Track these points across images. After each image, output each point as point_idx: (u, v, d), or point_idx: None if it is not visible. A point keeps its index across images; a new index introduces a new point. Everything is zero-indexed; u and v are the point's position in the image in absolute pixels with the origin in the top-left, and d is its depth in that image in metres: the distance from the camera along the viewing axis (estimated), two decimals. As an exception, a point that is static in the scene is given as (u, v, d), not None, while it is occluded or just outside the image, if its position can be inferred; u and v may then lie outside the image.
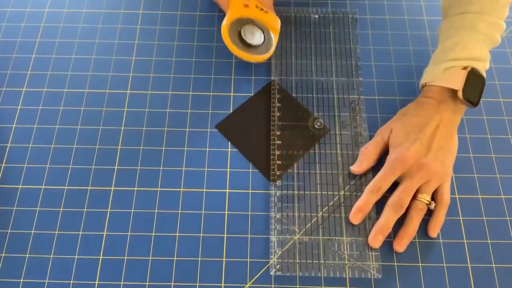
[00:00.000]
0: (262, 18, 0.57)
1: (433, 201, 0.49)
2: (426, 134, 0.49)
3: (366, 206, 0.49)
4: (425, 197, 0.49)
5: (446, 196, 0.50)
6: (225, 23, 0.55)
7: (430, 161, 0.48)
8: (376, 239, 0.48)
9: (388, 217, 0.48)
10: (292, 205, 0.50)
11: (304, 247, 0.48)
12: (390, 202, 0.48)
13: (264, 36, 0.57)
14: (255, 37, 0.56)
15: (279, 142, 0.53)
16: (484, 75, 0.51)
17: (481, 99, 0.52)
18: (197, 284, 0.47)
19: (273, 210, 0.50)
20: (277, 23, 0.57)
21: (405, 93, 0.57)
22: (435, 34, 0.61)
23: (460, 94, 0.49)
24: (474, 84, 0.50)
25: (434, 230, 0.49)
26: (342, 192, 0.51)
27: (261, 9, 0.57)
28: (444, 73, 0.51)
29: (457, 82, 0.50)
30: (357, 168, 0.51)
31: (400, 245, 0.48)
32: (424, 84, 0.53)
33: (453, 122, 0.51)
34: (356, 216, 0.49)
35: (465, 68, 0.50)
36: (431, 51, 0.60)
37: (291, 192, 0.51)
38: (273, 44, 0.57)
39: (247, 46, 0.56)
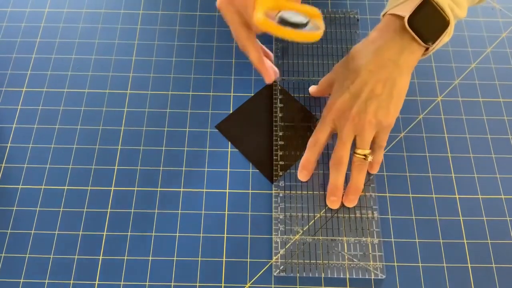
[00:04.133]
0: (297, 7, 0.46)
1: (370, 154, 0.48)
2: (356, 84, 0.47)
3: (309, 163, 0.50)
4: (361, 151, 0.48)
5: (381, 143, 0.49)
6: (259, 11, 0.43)
7: (355, 113, 0.47)
8: (331, 201, 0.49)
9: (333, 178, 0.49)
10: (295, 205, 0.50)
11: (308, 248, 0.48)
12: (330, 163, 0.49)
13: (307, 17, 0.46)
14: (299, 16, 0.45)
15: (282, 142, 0.53)
16: (450, 16, 0.45)
17: (437, 42, 0.46)
18: (197, 284, 0.47)
19: (276, 210, 0.50)
20: (315, 9, 0.47)
21: (405, 93, 0.57)
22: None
23: (405, 20, 0.45)
24: (431, 18, 0.45)
25: (372, 168, 0.51)
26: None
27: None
28: (402, 2, 0.46)
29: (408, 9, 0.45)
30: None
31: (346, 201, 0.50)
32: (382, 16, 0.49)
33: (397, 64, 0.46)
34: (301, 173, 0.51)
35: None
36: (431, 51, 0.60)
37: (294, 192, 0.51)
38: (321, 25, 0.46)
39: (292, 26, 0.44)
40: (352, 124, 0.47)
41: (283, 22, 0.44)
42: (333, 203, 0.49)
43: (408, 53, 0.46)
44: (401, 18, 0.46)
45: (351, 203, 0.50)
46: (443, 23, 0.45)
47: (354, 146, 0.49)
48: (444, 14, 0.45)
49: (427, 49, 0.47)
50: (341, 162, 0.48)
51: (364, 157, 0.48)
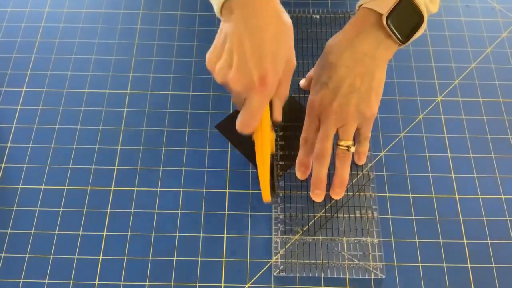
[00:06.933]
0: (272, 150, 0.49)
1: (353, 145, 0.48)
2: (333, 79, 0.47)
3: (305, 160, 0.50)
4: (344, 143, 0.48)
5: (366, 134, 0.49)
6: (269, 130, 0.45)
7: (336, 107, 0.47)
8: (315, 194, 0.49)
9: (316, 170, 0.48)
10: (295, 205, 0.50)
11: (307, 248, 0.48)
12: (313, 156, 0.48)
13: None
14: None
15: (282, 142, 0.53)
16: (425, 13, 0.47)
17: (412, 38, 0.47)
18: (197, 284, 0.47)
19: (276, 210, 0.50)
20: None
21: (405, 93, 0.57)
22: (435, 34, 0.61)
23: (384, 18, 0.45)
24: (406, 15, 0.46)
25: (359, 159, 0.51)
26: (345, 192, 0.51)
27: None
28: None
29: (385, 6, 0.45)
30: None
31: (333, 194, 0.50)
32: (358, 8, 0.49)
33: (373, 59, 0.47)
34: (299, 171, 0.50)
35: None
36: (431, 51, 0.60)
37: (294, 192, 0.51)
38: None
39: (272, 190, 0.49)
40: (335, 118, 0.47)
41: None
42: (317, 196, 0.49)
43: (383, 48, 0.47)
44: (376, 13, 0.46)
45: (337, 195, 0.50)
46: (418, 20, 0.46)
47: (336, 138, 0.49)
48: (421, 13, 0.46)
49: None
50: (323, 155, 0.48)
51: (347, 148, 0.48)
